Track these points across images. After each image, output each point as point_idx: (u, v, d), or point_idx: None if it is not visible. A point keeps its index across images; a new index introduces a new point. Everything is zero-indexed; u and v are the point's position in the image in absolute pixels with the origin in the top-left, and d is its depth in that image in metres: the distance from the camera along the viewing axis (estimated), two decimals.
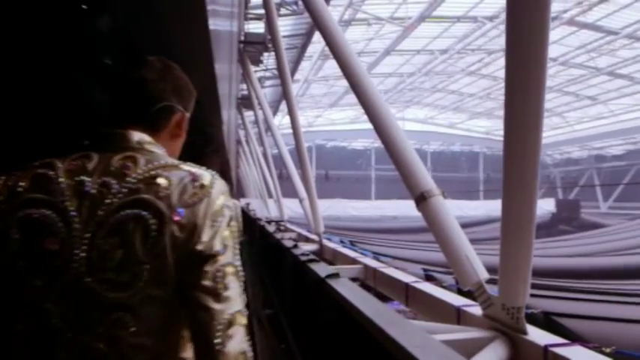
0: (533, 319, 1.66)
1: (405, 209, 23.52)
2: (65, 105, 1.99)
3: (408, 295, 2.47)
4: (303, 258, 2.63)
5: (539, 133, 1.34)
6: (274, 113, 19.48)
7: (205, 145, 2.08)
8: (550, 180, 32.21)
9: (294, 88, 13.56)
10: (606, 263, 9.95)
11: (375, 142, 30.73)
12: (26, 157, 1.00)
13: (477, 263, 1.85)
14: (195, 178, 0.95)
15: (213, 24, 1.84)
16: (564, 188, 31.27)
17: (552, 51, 17.95)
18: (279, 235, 4.71)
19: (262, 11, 8.02)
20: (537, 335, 1.57)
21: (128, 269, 0.89)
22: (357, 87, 2.49)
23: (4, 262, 0.91)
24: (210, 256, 0.92)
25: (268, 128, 8.58)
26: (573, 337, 1.93)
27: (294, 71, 14.68)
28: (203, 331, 0.90)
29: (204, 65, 2.06)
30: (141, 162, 0.95)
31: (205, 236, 0.93)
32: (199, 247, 0.92)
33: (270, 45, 8.05)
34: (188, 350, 0.97)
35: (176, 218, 0.91)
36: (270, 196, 10.88)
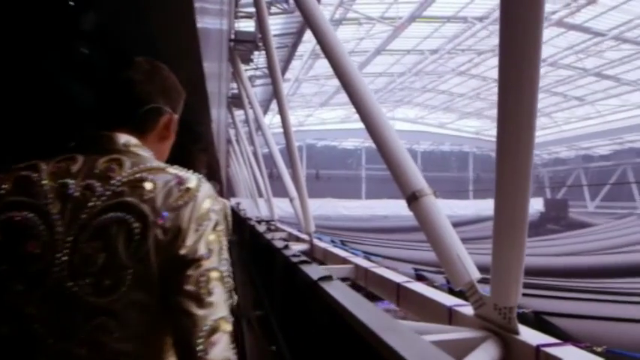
0: (524, 319, 1.66)
1: (396, 209, 23.62)
2: (51, 106, 1.95)
3: (400, 295, 2.46)
4: (295, 259, 2.61)
5: (533, 133, 1.33)
6: (265, 112, 19.41)
7: (193, 143, 2.05)
8: (538, 180, 32.53)
9: (285, 88, 13.52)
10: (594, 262, 10.08)
11: (365, 142, 30.82)
12: (12, 159, 0.98)
13: (469, 263, 1.84)
14: (181, 181, 0.94)
15: (202, 22, 1.81)
16: (552, 188, 31.60)
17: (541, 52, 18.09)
18: (269, 236, 4.68)
19: (253, 9, 7.98)
20: (529, 335, 1.56)
21: (111, 273, 0.86)
22: (348, 86, 2.47)
23: None
24: (193, 261, 0.90)
25: (259, 127, 8.54)
26: (564, 337, 1.93)
27: (284, 70, 14.62)
28: (185, 338, 0.88)
29: (193, 63, 2.03)
30: (126, 165, 0.93)
31: (189, 240, 0.90)
32: (183, 251, 0.89)
33: (260, 44, 8.00)
34: (172, 357, 0.95)
35: (160, 222, 0.89)
36: (261, 195, 10.84)
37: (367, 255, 5.85)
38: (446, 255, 1.88)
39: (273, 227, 6.57)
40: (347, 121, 30.29)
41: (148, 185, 0.91)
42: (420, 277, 4.99)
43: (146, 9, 1.58)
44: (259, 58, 11.45)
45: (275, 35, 10.80)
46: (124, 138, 0.99)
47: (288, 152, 5.04)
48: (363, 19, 16.70)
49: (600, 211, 26.87)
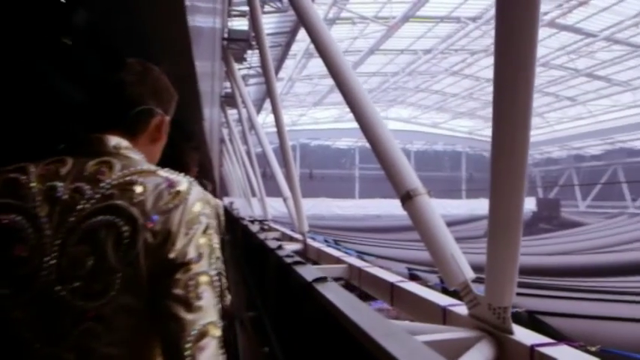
0: (518, 318, 1.65)
1: (389, 208, 23.70)
2: (41, 107, 1.92)
3: (394, 294, 2.45)
4: (289, 260, 2.58)
5: (527, 132, 1.33)
6: (258, 112, 19.36)
7: (185, 141, 2.03)
8: (531, 179, 32.74)
9: (278, 87, 13.47)
10: (586, 261, 10.16)
11: (358, 141, 30.85)
12: (2, 162, 0.97)
13: (463, 262, 1.84)
14: (171, 184, 0.93)
15: (193, 20, 1.79)
16: (545, 187, 31.83)
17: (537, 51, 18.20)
18: (262, 235, 4.66)
19: (246, 8, 7.95)
20: (523, 335, 1.56)
21: (100, 277, 0.85)
22: (342, 85, 2.46)
23: None
24: (182, 264, 0.89)
25: (252, 126, 8.50)
26: (557, 336, 1.93)
27: (278, 69, 14.59)
28: (173, 343, 0.86)
29: (184, 62, 2.01)
30: (116, 167, 0.93)
31: (179, 244, 0.89)
32: (172, 254, 0.88)
33: (254, 42, 7.97)
34: None
35: (150, 225, 0.88)
36: (254, 195, 10.81)
37: (361, 254, 5.86)
38: (440, 255, 1.87)
39: (266, 227, 6.54)
40: (340, 121, 30.31)
41: (137, 188, 0.90)
42: (413, 277, 4.99)
43: (136, 7, 1.56)
44: (253, 57, 11.40)
45: (268, 34, 10.75)
46: (114, 140, 0.98)
47: (281, 151, 5.02)
48: (356, 18, 16.70)
49: (591, 210, 27.12)
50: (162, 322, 0.88)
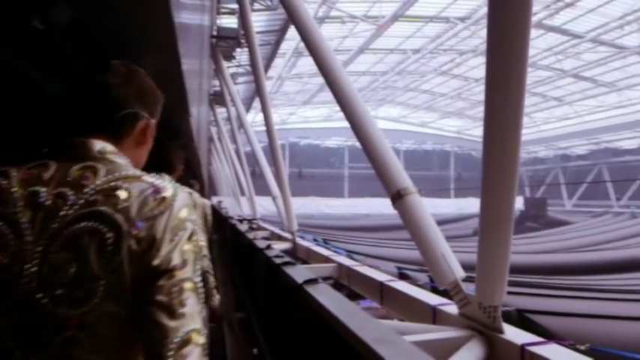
0: (507, 317, 1.65)
1: (378, 207, 23.76)
2: (24, 110, 1.87)
3: (383, 294, 2.44)
4: (278, 260, 2.55)
5: (519, 131, 1.32)
6: (247, 110, 19.25)
7: (170, 139, 2.00)
8: (518, 178, 32.95)
9: (268, 85, 13.42)
10: (573, 259, 10.29)
11: (348, 140, 30.88)
12: None
13: (453, 261, 1.83)
14: (157, 190, 0.92)
15: (179, 16, 1.75)
16: (532, 186, 32.17)
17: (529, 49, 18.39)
18: (251, 235, 4.62)
19: (235, 6, 7.88)
20: (513, 334, 1.56)
21: (83, 285, 0.84)
22: (333, 84, 2.44)
23: None
24: (166, 271, 0.87)
25: (241, 125, 8.44)
26: (547, 335, 1.94)
27: (267, 68, 14.53)
28: (155, 350, 0.85)
29: (170, 59, 1.97)
30: (101, 172, 0.91)
31: (164, 250, 0.88)
32: (156, 261, 0.87)
33: (243, 40, 7.91)
34: None
35: (134, 232, 0.86)
36: (243, 194, 10.74)
37: (350, 253, 5.85)
38: (430, 254, 1.87)
39: (255, 226, 6.51)
40: (330, 120, 30.29)
41: (122, 194, 0.88)
42: (402, 276, 5.00)
43: (120, 3, 1.52)
44: (242, 55, 11.33)
45: (258, 32, 10.70)
46: (99, 145, 0.96)
47: (270, 150, 4.99)
48: (346, 17, 16.69)
49: (577, 209, 27.48)
50: (145, 329, 0.86)
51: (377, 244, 11.27)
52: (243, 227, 5.90)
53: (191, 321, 0.87)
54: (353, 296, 2.98)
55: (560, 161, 31.34)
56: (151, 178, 0.94)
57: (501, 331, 1.56)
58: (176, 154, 2.63)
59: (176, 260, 0.89)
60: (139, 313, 0.87)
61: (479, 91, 24.72)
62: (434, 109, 31.07)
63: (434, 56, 21.34)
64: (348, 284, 3.05)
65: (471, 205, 24.76)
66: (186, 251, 0.91)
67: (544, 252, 11.86)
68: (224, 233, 7.41)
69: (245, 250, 4.27)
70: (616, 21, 16.63)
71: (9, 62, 1.75)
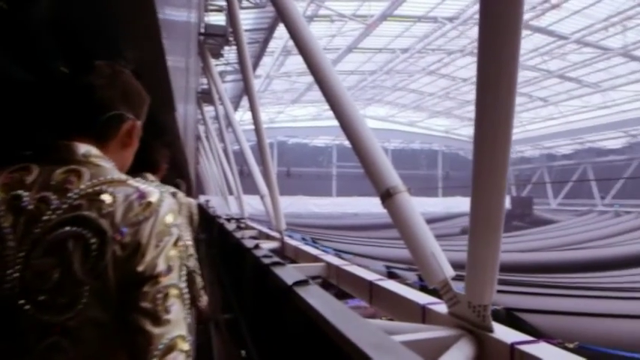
0: (496, 316, 1.65)
1: (366, 206, 23.81)
2: (5, 112, 1.81)
3: (372, 293, 2.43)
4: (267, 261, 2.52)
5: (510, 130, 1.32)
6: (235, 109, 19.16)
7: (155, 137, 1.96)
8: None
9: (256, 84, 13.35)
10: (558, 258, 10.41)
11: (336, 139, 30.89)
12: None
13: (443, 260, 1.83)
14: (142, 195, 0.90)
15: (163, 12, 1.71)
16: (518, 185, 32.51)
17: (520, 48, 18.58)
18: (239, 234, 4.58)
19: (224, 3, 7.82)
20: (503, 333, 1.55)
21: (66, 291, 0.82)
22: (322, 83, 2.42)
23: None
24: (151, 277, 0.86)
25: (229, 124, 8.38)
26: (535, 333, 1.94)
27: (255, 66, 14.45)
28: (139, 356, 0.83)
29: (154, 56, 1.92)
30: (85, 176, 0.89)
31: (149, 256, 0.86)
32: (141, 267, 0.86)
33: (231, 38, 7.86)
34: None
35: (118, 238, 0.85)
36: (231, 192, 10.68)
37: (338, 252, 5.84)
38: (420, 253, 1.86)
39: (243, 225, 6.46)
40: (318, 119, 30.28)
41: (107, 199, 0.87)
42: (391, 275, 5.00)
43: None
44: (230, 53, 11.25)
45: (246, 30, 10.63)
46: (83, 148, 0.94)
47: (259, 149, 4.96)
48: (334, 16, 16.68)
49: (562, 208, 27.85)
50: (129, 336, 0.85)
51: (365, 243, 11.27)
52: (230, 226, 5.85)
53: (176, 327, 0.86)
54: (341, 295, 2.97)
55: (546, 161, 31.72)
56: (136, 183, 0.92)
57: (491, 330, 1.55)
58: (160, 152, 2.58)
59: (161, 266, 0.87)
60: (123, 319, 0.85)
61: (466, 91, 24.92)
62: (422, 109, 31.22)
63: (422, 56, 21.44)
64: (337, 283, 3.03)
65: (459, 203, 24.93)
66: (171, 257, 0.89)
67: (530, 250, 11.99)
68: (211, 233, 7.35)
69: (233, 250, 4.23)
70: (600, 23, 16.87)
71: None
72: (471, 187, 1.44)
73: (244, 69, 5.17)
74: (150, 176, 2.41)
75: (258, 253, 2.94)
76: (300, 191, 27.62)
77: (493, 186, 1.39)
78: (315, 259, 3.47)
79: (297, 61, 18.62)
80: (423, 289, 2.39)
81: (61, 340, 0.81)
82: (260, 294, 2.72)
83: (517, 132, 29.78)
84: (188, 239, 2.84)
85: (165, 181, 2.67)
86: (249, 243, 3.49)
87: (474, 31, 17.21)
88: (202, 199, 16.08)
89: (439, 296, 1.85)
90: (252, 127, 5.02)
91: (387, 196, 1.98)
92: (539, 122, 29.50)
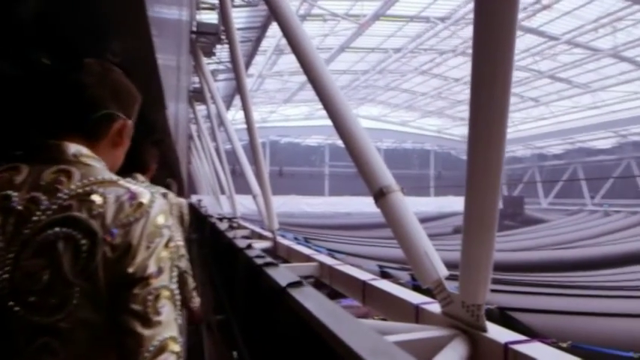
0: (489, 315, 1.64)
1: (359, 206, 23.83)
2: None
3: (365, 293, 2.42)
4: (259, 261, 2.49)
5: (504, 129, 1.31)
6: (227, 108, 19.08)
7: (144, 136, 1.93)
8: None
9: (248, 83, 13.32)
10: (549, 257, 10.49)
11: (328, 139, 30.89)
12: None
13: (437, 260, 1.82)
14: (133, 196, 0.89)
15: (153, 10, 1.68)
16: (509, 185, 32.74)
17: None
18: (231, 234, 4.55)
19: (216, 1, 7.77)
20: (497, 332, 1.55)
21: (57, 292, 0.81)
22: (316, 82, 2.41)
23: None
24: (142, 279, 0.85)
25: (221, 123, 8.34)
26: (528, 332, 1.94)
27: (248, 65, 14.41)
28: (130, 358, 0.83)
29: (145, 54, 1.89)
30: (75, 176, 0.88)
31: (139, 257, 0.85)
32: (131, 268, 0.85)
33: (223, 37, 7.81)
34: None
35: (109, 239, 0.84)
36: (223, 192, 10.63)
37: (331, 252, 5.82)
38: (413, 252, 1.85)
39: (235, 224, 6.43)
40: (310, 118, 30.26)
41: (97, 199, 0.86)
42: (385, 275, 5.00)
43: None
44: (222, 51, 11.20)
45: (239, 29, 10.58)
46: (74, 148, 0.93)
47: (251, 148, 4.94)
48: (327, 15, 16.68)
49: (553, 207, 28.09)
50: (120, 337, 0.84)
51: (358, 243, 11.28)
52: (222, 226, 5.82)
53: (167, 329, 0.85)
54: (333, 295, 2.95)
55: (537, 160, 31.99)
56: (127, 183, 0.91)
57: (485, 330, 1.55)
58: (150, 152, 2.55)
59: (152, 268, 0.86)
60: (114, 320, 0.85)
61: (459, 91, 25.02)
62: (414, 109, 31.32)
63: (414, 55, 21.51)
64: (330, 283, 3.02)
65: (451, 203, 25.04)
66: (162, 258, 0.88)
67: (521, 249, 12.06)
68: (203, 232, 7.30)
69: (225, 250, 4.20)
70: (591, 24, 17.02)
71: None
72: (463, 186, 1.43)
73: (236, 68, 5.14)
74: (140, 177, 2.39)
75: (250, 253, 2.91)
76: (293, 191, 27.59)
77: (487, 185, 1.38)
78: (308, 258, 3.45)
79: (289, 60, 18.60)
80: (417, 288, 2.38)
81: (51, 341, 0.81)
82: (252, 295, 2.70)
83: (509, 132, 29.16)
84: (179, 240, 2.81)
85: (156, 180, 2.65)
86: (241, 243, 3.46)
87: (465, 31, 17.29)
88: (194, 198, 16.00)
89: (432, 296, 1.84)
90: (245, 126, 4.99)
91: (380, 196, 1.97)
92: (530, 122, 29.72)
